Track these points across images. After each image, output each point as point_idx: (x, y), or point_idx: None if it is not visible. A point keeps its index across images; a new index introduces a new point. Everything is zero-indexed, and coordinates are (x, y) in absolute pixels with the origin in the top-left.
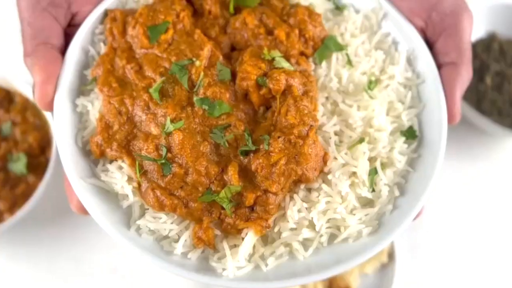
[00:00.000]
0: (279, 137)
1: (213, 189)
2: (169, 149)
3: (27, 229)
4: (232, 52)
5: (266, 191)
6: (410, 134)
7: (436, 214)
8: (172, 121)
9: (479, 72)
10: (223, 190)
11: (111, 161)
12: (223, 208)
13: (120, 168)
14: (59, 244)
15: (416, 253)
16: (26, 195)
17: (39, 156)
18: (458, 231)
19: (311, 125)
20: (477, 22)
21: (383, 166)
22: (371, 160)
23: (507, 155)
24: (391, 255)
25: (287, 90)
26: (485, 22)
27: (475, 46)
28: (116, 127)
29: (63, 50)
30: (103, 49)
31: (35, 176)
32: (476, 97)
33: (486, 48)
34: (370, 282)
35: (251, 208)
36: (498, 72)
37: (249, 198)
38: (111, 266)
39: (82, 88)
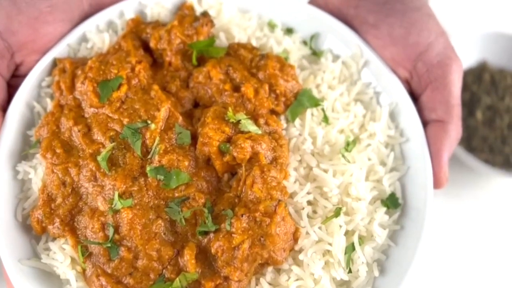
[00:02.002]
0: (242, 215)
1: (166, 275)
2: (117, 229)
3: None
4: (195, 109)
5: (227, 278)
6: (392, 203)
7: (425, 255)
8: (121, 196)
9: (470, 105)
10: (177, 279)
11: (54, 238)
12: None
13: (63, 248)
14: None
15: None
16: None
17: None
18: (450, 272)
19: (280, 200)
20: (468, 50)
21: (361, 240)
22: (348, 233)
23: (498, 195)
24: None
25: (254, 158)
26: (476, 50)
27: (465, 76)
28: (59, 200)
29: (4, 106)
30: (49, 105)
31: None
32: (466, 133)
33: (476, 79)
34: None
35: None
36: (490, 106)
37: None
38: None
39: (24, 152)
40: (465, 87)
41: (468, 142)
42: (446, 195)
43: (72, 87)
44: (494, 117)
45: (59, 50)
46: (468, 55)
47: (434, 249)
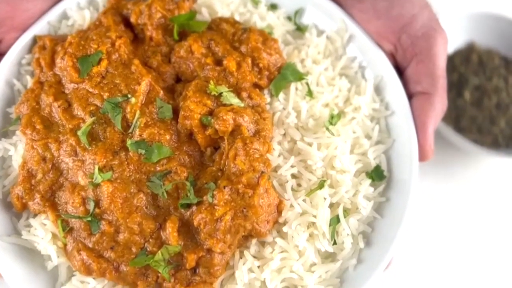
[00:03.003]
0: (225, 187)
1: (148, 249)
2: (97, 203)
3: None
4: (177, 84)
5: (209, 250)
6: (377, 175)
7: (414, 236)
8: (101, 170)
9: (458, 86)
10: (159, 252)
11: (35, 215)
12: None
13: (44, 224)
14: None
15: (389, 281)
16: None
17: None
18: (438, 254)
19: (262, 172)
20: (455, 31)
21: (346, 213)
22: (333, 206)
23: (487, 175)
24: None
25: (236, 131)
26: (463, 31)
27: (453, 57)
28: (39, 175)
29: None
30: (29, 82)
31: None
32: (454, 113)
33: (464, 60)
34: None
35: (194, 270)
36: (478, 86)
37: (190, 260)
38: None
39: (4, 129)
40: (453, 68)
41: (457, 122)
42: (436, 176)
43: (52, 64)
44: (482, 98)
45: (39, 28)
46: (455, 36)
47: (424, 230)
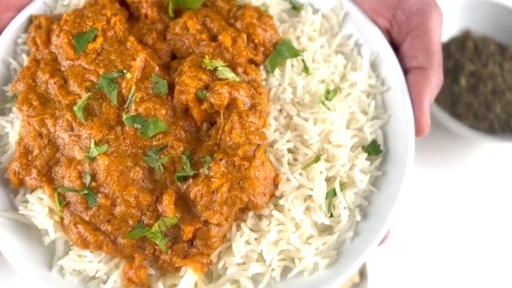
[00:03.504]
0: (221, 159)
1: (145, 221)
2: (94, 177)
3: None
4: (172, 61)
5: (206, 222)
6: (374, 149)
7: (408, 224)
8: (97, 144)
9: (453, 72)
10: (156, 224)
11: (32, 191)
12: (157, 243)
13: (41, 199)
14: None
15: (389, 269)
16: None
17: None
18: (434, 240)
19: (258, 144)
20: (450, 18)
21: (343, 186)
22: (329, 180)
23: (484, 160)
24: (362, 273)
25: (232, 105)
26: (458, 18)
27: (448, 44)
28: (36, 151)
29: None
30: (25, 61)
31: None
32: (450, 99)
33: (460, 47)
34: None
35: (191, 242)
36: (473, 73)
37: (187, 232)
38: None
39: (0, 106)
40: (448, 55)
41: (453, 109)
42: (433, 162)
43: (47, 42)
44: (478, 84)
45: (35, 8)
46: (451, 23)
47: (421, 217)
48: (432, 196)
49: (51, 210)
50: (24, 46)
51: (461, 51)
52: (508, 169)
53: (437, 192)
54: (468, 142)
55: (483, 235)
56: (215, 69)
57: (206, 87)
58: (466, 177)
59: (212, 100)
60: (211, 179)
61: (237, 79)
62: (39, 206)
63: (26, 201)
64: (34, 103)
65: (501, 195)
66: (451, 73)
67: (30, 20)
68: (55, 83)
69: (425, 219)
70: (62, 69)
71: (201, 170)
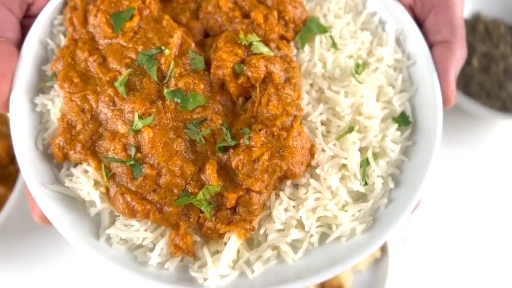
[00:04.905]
0: (260, 130)
1: (189, 190)
2: (138, 149)
3: None
4: (206, 39)
5: (248, 190)
6: (403, 120)
7: (428, 203)
8: (140, 117)
9: None
10: (200, 192)
11: (75, 165)
12: (201, 211)
13: (86, 172)
14: (31, 258)
15: (409, 245)
16: None
17: (8, 166)
18: (451, 220)
19: (295, 115)
20: None
21: (375, 156)
22: (362, 150)
23: (497, 139)
24: (383, 248)
25: (267, 78)
26: (468, 2)
27: None
28: (79, 126)
29: (19, 44)
30: (63, 41)
31: (4, 187)
32: (463, 80)
33: (471, 29)
34: (364, 278)
35: (233, 210)
36: (485, 54)
37: (230, 199)
38: (87, 277)
39: (41, 85)
40: None
41: (466, 89)
42: (447, 141)
43: (85, 22)
44: (490, 64)
45: None
46: None
47: (436, 195)
48: (448, 174)
49: (96, 183)
50: (61, 27)
51: (473, 33)
52: None
53: (453, 170)
54: (481, 120)
55: (497, 212)
56: (250, 44)
57: (242, 62)
58: (481, 154)
59: (249, 73)
60: (252, 148)
61: (272, 54)
62: (84, 179)
63: (71, 175)
64: (75, 80)
65: None
66: None
67: (65, 2)
68: (94, 60)
69: (441, 198)
70: (100, 47)
71: (241, 141)
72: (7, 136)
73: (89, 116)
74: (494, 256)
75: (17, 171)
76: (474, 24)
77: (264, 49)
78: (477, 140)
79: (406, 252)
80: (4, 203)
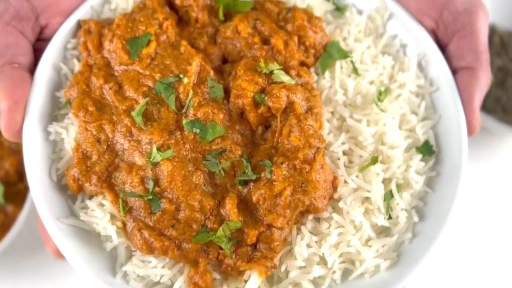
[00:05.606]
0: (282, 163)
1: (209, 226)
2: (156, 182)
3: (7, 262)
4: (224, 65)
5: (270, 226)
6: (427, 150)
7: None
8: (159, 149)
9: None
10: (221, 228)
11: (91, 197)
12: (221, 248)
13: (102, 205)
14: (40, 277)
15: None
16: (5, 226)
17: (17, 183)
18: (464, 235)
19: (318, 147)
20: None
21: (399, 188)
22: (385, 181)
23: (511, 154)
24: None
25: (289, 108)
26: None
27: None
28: (94, 157)
29: (32, 69)
30: (77, 66)
31: (14, 205)
32: None
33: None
34: None
35: (254, 246)
36: (501, 67)
37: (251, 236)
38: None
39: (54, 112)
40: None
41: (482, 103)
42: None
43: (99, 46)
44: (506, 78)
45: (83, 12)
46: None
47: None
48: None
49: (112, 216)
50: (74, 51)
51: (488, 46)
52: None
53: (467, 185)
54: (497, 136)
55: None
56: (271, 72)
57: (262, 91)
58: (496, 169)
59: (270, 103)
60: (273, 182)
61: (293, 82)
62: (100, 213)
63: (86, 207)
64: (90, 109)
65: None
66: None
67: (79, 25)
68: (110, 88)
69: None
70: (116, 74)
71: (262, 174)
72: (16, 153)
73: (105, 147)
74: (503, 267)
75: (26, 188)
76: (489, 37)
77: (285, 78)
78: (492, 155)
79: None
80: (13, 221)
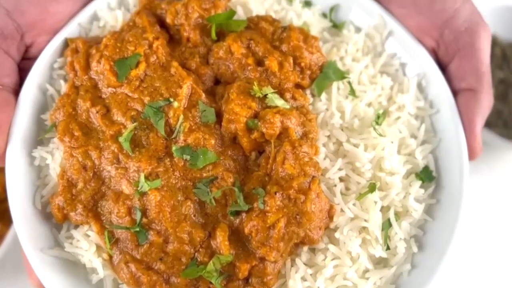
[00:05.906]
0: (276, 192)
1: (199, 259)
2: (144, 213)
3: None
4: (216, 86)
5: (262, 259)
6: (426, 176)
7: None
8: (147, 177)
9: None
10: (211, 262)
11: (76, 226)
12: (211, 282)
13: (87, 235)
14: None
15: None
16: None
17: (5, 201)
18: (462, 247)
19: (314, 176)
20: None
21: (397, 216)
22: (383, 209)
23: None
24: None
25: (283, 133)
26: None
27: None
28: (80, 185)
29: (17, 89)
30: (63, 87)
31: (1, 223)
32: None
33: None
34: None
35: (246, 280)
36: (502, 80)
37: (243, 270)
38: None
39: (40, 137)
40: None
41: None
42: None
43: (87, 67)
44: (507, 91)
45: (70, 30)
46: None
47: None
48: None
49: (98, 247)
50: (61, 70)
51: (489, 58)
52: None
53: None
54: (497, 150)
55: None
56: (265, 96)
57: (255, 115)
58: (495, 184)
59: (263, 129)
60: (267, 213)
61: (287, 106)
62: (86, 244)
63: (71, 237)
64: (76, 134)
65: None
66: None
67: (66, 43)
68: (97, 112)
69: None
70: (103, 96)
71: (255, 204)
72: (3, 170)
73: (91, 174)
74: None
75: None
76: (491, 48)
77: (280, 102)
78: (492, 169)
79: None
80: (1, 240)
